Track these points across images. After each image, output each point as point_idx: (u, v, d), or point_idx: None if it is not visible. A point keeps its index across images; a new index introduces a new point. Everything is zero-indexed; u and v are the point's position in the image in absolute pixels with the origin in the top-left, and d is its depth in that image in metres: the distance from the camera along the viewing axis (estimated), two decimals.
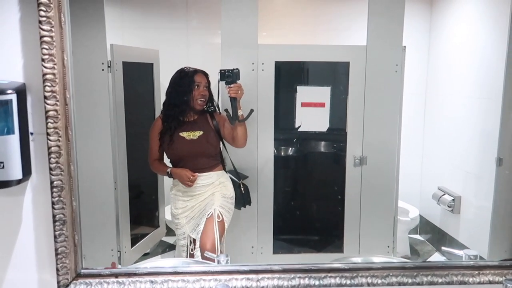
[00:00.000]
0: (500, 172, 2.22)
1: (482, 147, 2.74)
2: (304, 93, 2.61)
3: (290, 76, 2.68)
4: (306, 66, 2.71)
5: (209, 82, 2.24)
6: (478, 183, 2.86)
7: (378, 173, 2.54)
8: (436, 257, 2.74)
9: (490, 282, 1.33)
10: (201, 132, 2.24)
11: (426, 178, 3.41)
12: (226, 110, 2.20)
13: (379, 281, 1.30)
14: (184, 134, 2.23)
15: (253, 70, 2.37)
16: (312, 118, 2.62)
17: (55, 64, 1.15)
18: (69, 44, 1.19)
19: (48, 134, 1.21)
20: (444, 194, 3.07)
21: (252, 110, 2.21)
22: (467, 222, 2.95)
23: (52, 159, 1.22)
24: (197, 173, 2.22)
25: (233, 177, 2.35)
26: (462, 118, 2.98)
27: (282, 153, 2.86)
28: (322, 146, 2.87)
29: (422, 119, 3.38)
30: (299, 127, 2.60)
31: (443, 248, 1.54)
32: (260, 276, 1.29)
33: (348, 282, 1.30)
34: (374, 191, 2.55)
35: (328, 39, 3.10)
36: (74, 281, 1.25)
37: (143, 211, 3.10)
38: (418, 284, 1.31)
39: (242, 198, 2.34)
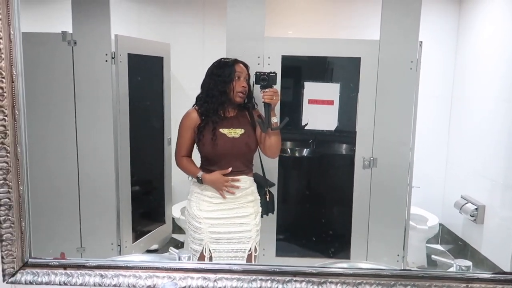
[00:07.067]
0: None
1: (509, 154, 2.55)
2: (311, 89, 2.48)
3: (297, 71, 2.56)
4: (314, 61, 2.57)
5: (249, 75, 2.04)
6: (504, 192, 2.66)
7: (389, 176, 2.38)
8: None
9: None
10: (243, 130, 2.01)
11: (450, 185, 3.22)
12: (259, 116, 2.03)
13: None
14: (224, 131, 1.99)
15: (258, 64, 2.25)
16: (319, 116, 2.49)
17: (0, 38, 1.09)
18: (16, 17, 1.12)
19: None
20: (466, 203, 2.89)
21: (287, 119, 2.01)
22: (491, 233, 2.77)
23: None
24: (233, 177, 1.99)
25: (260, 183, 2.14)
26: (489, 122, 2.80)
27: (286, 154, 2.75)
28: (330, 147, 2.73)
29: (448, 123, 3.20)
30: (306, 125, 2.47)
31: (433, 256, 1.38)
32: (218, 276, 1.18)
33: (315, 287, 1.17)
34: (384, 195, 2.40)
35: (346, 36, 2.96)
36: (21, 270, 1.18)
37: (148, 207, 3.04)
38: None
39: (266, 206, 2.15)
